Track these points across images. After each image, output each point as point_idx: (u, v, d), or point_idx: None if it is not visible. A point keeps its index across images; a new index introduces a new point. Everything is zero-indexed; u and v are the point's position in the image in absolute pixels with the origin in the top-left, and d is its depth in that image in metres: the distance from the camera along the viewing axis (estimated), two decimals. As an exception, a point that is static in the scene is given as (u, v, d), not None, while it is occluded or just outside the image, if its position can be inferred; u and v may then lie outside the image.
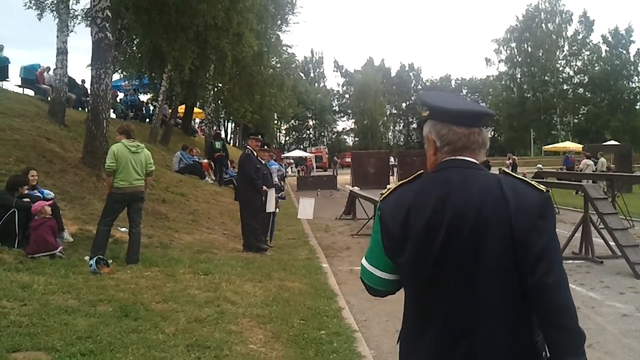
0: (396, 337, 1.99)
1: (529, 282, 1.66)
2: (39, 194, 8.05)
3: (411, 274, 1.85)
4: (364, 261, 2.01)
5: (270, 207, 10.14)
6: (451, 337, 1.73)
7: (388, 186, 2.02)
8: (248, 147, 10.28)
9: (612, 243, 9.34)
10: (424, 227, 1.76)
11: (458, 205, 1.74)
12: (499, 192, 1.72)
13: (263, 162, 10.48)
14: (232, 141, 45.81)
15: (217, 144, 21.33)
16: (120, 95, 26.78)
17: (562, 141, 57.78)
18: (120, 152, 7.52)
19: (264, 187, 9.91)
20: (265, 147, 11.28)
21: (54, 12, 14.63)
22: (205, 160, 20.26)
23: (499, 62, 78.20)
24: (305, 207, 11.67)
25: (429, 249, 1.75)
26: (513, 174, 1.84)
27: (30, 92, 18.95)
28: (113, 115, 20.41)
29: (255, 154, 10.06)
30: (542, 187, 1.74)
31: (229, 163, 21.48)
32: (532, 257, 1.65)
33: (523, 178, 1.80)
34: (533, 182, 1.77)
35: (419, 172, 1.94)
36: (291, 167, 49.74)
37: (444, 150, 1.86)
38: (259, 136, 10.47)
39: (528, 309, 1.71)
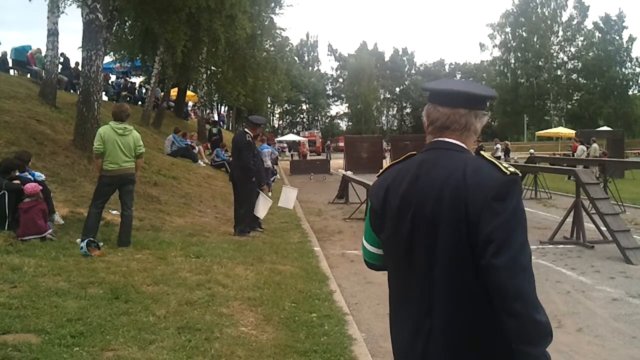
0: (387, 320, 2.02)
1: (481, 264, 1.64)
2: (29, 177, 7.98)
3: (389, 250, 1.92)
4: (363, 237, 2.11)
5: (258, 211, 10.04)
6: (422, 314, 1.77)
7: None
8: (247, 132, 10.04)
9: (603, 228, 9.38)
10: (397, 207, 1.83)
11: (424, 187, 1.78)
12: (461, 172, 1.71)
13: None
14: (225, 125, 45.57)
15: (214, 130, 24.63)
16: (113, 77, 26.62)
17: (555, 127, 57.88)
18: (107, 134, 7.44)
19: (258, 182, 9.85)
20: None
21: (44, -7, 14.40)
22: (202, 146, 20.41)
23: (493, 47, 78.11)
24: (288, 196, 11.60)
25: (401, 227, 1.81)
26: (486, 155, 1.81)
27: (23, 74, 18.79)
28: (105, 98, 20.27)
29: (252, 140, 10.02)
30: (510, 169, 1.69)
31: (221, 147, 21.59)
32: (482, 237, 1.63)
33: (493, 160, 1.75)
34: (502, 165, 1.72)
35: (410, 153, 1.96)
36: (285, 152, 49.70)
37: (429, 129, 1.91)
38: (260, 125, 10.48)
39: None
